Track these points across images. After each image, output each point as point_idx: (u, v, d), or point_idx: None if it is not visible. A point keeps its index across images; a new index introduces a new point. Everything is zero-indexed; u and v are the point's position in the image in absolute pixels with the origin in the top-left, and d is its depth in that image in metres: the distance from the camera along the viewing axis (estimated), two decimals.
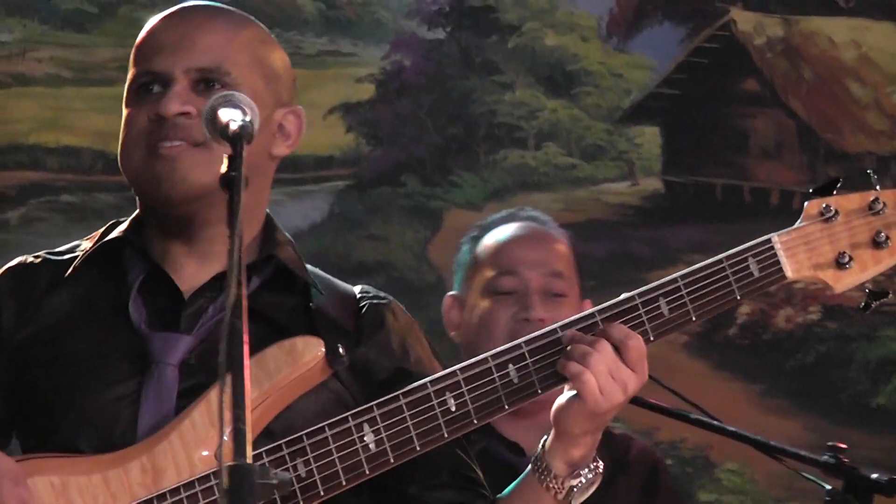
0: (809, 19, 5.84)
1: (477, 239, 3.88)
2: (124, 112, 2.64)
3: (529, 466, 2.66)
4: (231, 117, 2.26)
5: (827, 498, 3.34)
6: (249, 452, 1.94)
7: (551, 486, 2.61)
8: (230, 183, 2.15)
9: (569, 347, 2.54)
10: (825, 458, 3.36)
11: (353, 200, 5.82)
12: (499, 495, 2.74)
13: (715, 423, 3.60)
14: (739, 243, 4.43)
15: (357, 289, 2.80)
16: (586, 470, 2.62)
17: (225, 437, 1.96)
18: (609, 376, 2.52)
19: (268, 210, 2.76)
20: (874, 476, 3.16)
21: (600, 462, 2.60)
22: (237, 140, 2.23)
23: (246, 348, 2.10)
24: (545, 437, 2.60)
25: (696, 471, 5.45)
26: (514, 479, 2.70)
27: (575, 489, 2.60)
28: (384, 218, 5.84)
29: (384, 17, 5.94)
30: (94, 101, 5.74)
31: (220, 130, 2.24)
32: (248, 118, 2.27)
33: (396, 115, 5.81)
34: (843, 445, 3.32)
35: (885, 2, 5.89)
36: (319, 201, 5.66)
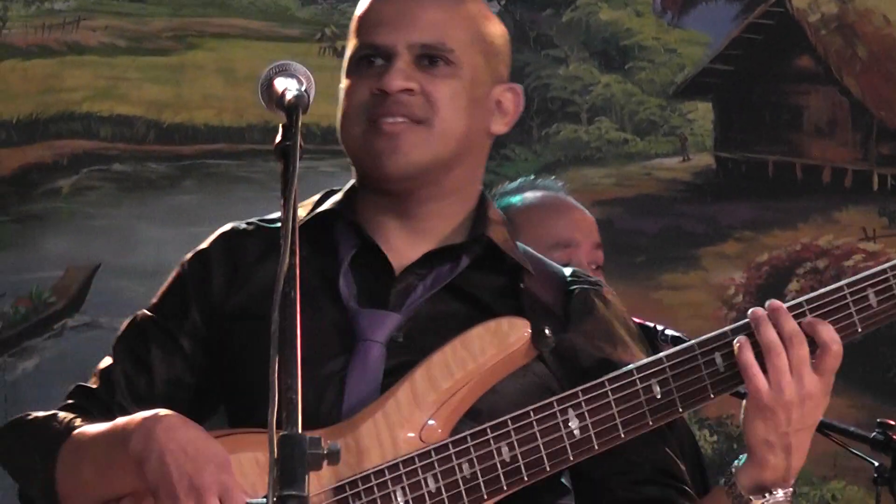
0: None
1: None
2: (344, 82, 2.63)
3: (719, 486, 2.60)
4: (286, 86, 2.23)
5: (875, 474, 3.40)
6: (300, 422, 1.95)
7: (735, 501, 2.54)
8: (285, 152, 2.12)
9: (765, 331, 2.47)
10: (874, 434, 3.34)
11: None
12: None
13: None
14: (791, 221, 4.44)
15: (568, 271, 2.76)
16: (776, 493, 2.50)
17: (274, 408, 1.95)
18: (789, 374, 2.46)
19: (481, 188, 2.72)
20: None
21: (791, 489, 2.47)
22: (292, 110, 2.18)
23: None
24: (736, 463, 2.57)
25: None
26: None
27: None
28: None
29: None
30: (147, 70, 5.70)
31: (276, 100, 2.22)
32: (303, 87, 2.20)
33: None
34: (893, 423, 3.31)
35: None
36: None
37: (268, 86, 2.21)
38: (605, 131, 5.65)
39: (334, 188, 2.66)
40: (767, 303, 2.39)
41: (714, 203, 5.72)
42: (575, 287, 2.68)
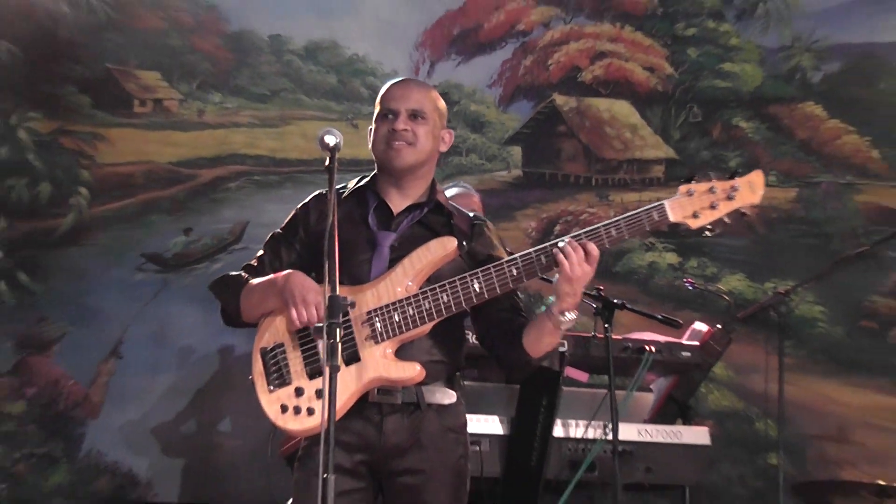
0: (589, 99, 7.84)
1: None
2: (374, 126, 3.88)
3: (541, 313, 3.83)
4: (329, 139, 3.45)
5: (594, 309, 4.88)
6: (338, 291, 3.33)
7: (553, 319, 3.79)
8: (329, 169, 3.45)
9: (561, 245, 3.61)
10: (594, 292, 4.12)
11: None
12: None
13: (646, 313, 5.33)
14: (556, 199, 6.94)
15: (471, 214, 3.99)
16: (569, 314, 3.76)
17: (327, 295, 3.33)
18: (579, 263, 3.63)
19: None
20: None
21: (576, 312, 3.74)
22: (333, 150, 3.47)
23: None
24: (553, 297, 3.75)
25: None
26: None
27: (564, 320, 3.78)
28: None
29: None
30: (268, 133, 7.67)
31: (324, 146, 3.42)
32: (338, 140, 3.45)
33: None
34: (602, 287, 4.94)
35: (622, 86, 7.78)
36: None
37: (321, 139, 3.43)
38: (475, 160, 7.70)
39: (365, 174, 3.96)
40: (567, 237, 3.67)
41: (522, 191, 7.66)
42: (475, 222, 3.97)
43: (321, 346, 3.61)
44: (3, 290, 7.29)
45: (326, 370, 3.26)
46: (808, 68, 7.48)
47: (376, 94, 4.08)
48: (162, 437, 7.24)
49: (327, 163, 3.53)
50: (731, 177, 3.84)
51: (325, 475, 3.25)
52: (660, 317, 5.43)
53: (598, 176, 7.69)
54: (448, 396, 3.92)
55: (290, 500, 3.98)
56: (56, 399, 7.25)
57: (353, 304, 3.56)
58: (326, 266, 3.40)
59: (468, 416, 4.31)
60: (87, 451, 7.23)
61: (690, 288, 6.61)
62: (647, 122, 7.66)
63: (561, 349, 4.92)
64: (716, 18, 7.57)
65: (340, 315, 3.36)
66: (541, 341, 3.84)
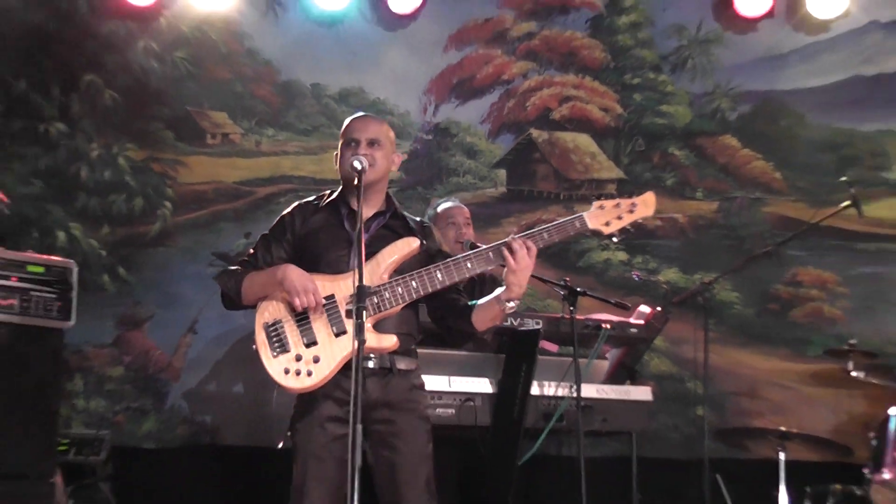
0: (558, 133, 7.73)
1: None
2: (339, 152, 3.98)
3: (492, 296, 3.87)
4: (356, 163, 3.74)
5: (562, 294, 4.71)
6: (364, 282, 3.46)
7: (500, 305, 3.88)
8: (357, 187, 3.70)
9: (508, 242, 3.75)
10: (563, 281, 4.68)
11: None
12: (471, 302, 4.02)
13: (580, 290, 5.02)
14: (531, 210, 6.80)
15: (419, 219, 4.14)
16: (512, 303, 3.87)
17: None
18: (523, 258, 3.76)
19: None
20: None
21: (517, 302, 3.86)
22: (360, 173, 3.73)
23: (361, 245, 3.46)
24: (502, 286, 3.81)
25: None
26: None
27: (508, 306, 3.88)
28: None
29: None
30: (309, 160, 7.60)
31: (354, 169, 3.69)
32: (364, 165, 3.72)
33: None
34: (569, 279, 4.79)
35: (583, 123, 7.56)
36: None
37: (351, 164, 3.77)
38: (469, 179, 7.60)
39: (333, 189, 4.00)
40: (511, 236, 3.83)
41: (506, 204, 7.56)
42: (425, 225, 4.10)
43: (316, 321, 3.78)
44: (106, 281, 7.28)
45: (355, 343, 3.35)
46: (726, 109, 7.55)
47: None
48: (225, 395, 7.21)
49: (356, 181, 3.71)
50: (630, 196, 4.02)
51: (357, 424, 3.33)
52: (613, 301, 5.45)
53: (565, 192, 7.58)
54: (411, 364, 4.02)
55: (283, 443, 4.00)
56: (146, 365, 7.25)
57: (332, 294, 3.76)
58: (357, 261, 3.52)
59: (467, 379, 4.62)
60: (170, 405, 7.25)
61: (637, 279, 6.86)
62: (603, 150, 7.58)
63: (536, 326, 4.97)
64: (655, 71, 7.58)
65: (365, 300, 3.51)
66: (487, 320, 3.95)
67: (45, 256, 5.17)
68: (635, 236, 6.03)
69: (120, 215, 7.27)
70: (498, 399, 5.09)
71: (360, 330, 3.36)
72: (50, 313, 5.02)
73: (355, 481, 3.22)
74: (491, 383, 5.17)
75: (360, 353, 3.33)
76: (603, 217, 3.92)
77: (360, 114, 4.12)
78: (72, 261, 5.24)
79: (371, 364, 3.86)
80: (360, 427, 3.25)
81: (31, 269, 5.02)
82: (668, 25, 7.44)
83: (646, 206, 3.98)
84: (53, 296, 5.05)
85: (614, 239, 3.95)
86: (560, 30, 7.47)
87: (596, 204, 3.92)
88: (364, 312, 3.41)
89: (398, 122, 7.30)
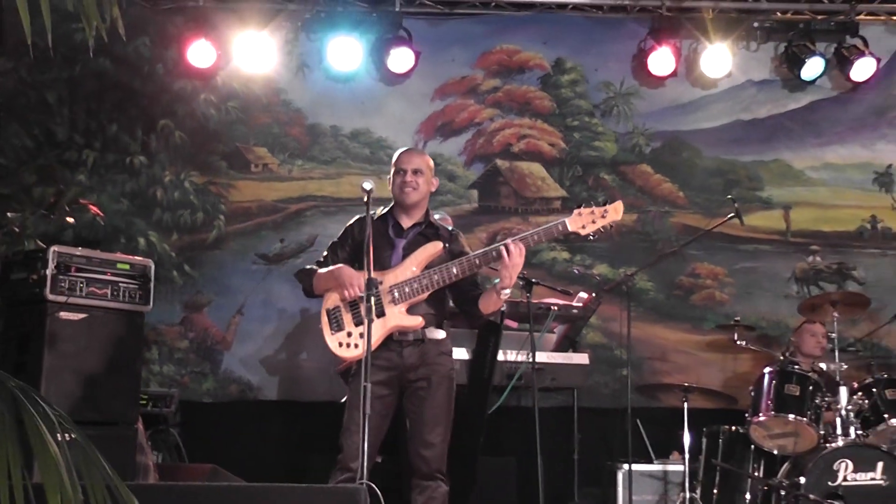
0: (517, 162, 7.34)
1: None
2: (391, 177, 4.05)
3: (490, 287, 3.86)
4: (367, 186, 3.70)
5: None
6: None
7: (497, 294, 3.85)
8: (366, 203, 3.65)
9: (505, 244, 3.71)
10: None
11: None
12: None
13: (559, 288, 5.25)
14: (503, 218, 6.32)
15: (450, 228, 4.12)
16: (506, 291, 3.81)
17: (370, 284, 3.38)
18: (516, 256, 3.71)
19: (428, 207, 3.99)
20: None
21: (510, 290, 3.78)
22: (369, 192, 3.70)
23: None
24: (497, 279, 3.73)
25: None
26: None
27: (504, 293, 3.82)
28: None
29: None
30: (329, 183, 7.26)
31: (364, 190, 3.65)
32: (372, 186, 3.68)
33: None
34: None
35: (536, 155, 7.26)
36: None
37: (362, 186, 3.70)
38: (450, 198, 7.30)
39: (385, 205, 4.08)
40: (508, 240, 3.78)
41: (478, 216, 7.34)
42: (452, 232, 4.11)
43: (362, 308, 3.67)
44: (175, 276, 7.13)
45: (366, 322, 3.43)
46: (643, 145, 7.43)
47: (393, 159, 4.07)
48: (267, 362, 7.03)
49: (365, 199, 3.71)
50: (604, 204, 3.94)
51: (365, 383, 3.40)
52: (559, 289, 5.53)
53: (522, 207, 7.40)
54: (440, 334, 4.01)
55: (346, 398, 3.95)
56: (206, 339, 7.10)
57: (381, 282, 3.75)
58: (366, 261, 3.58)
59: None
60: (223, 369, 7.11)
61: (576, 272, 6.85)
62: (551, 175, 7.40)
63: (502, 309, 4.66)
64: (589, 115, 7.42)
65: (374, 289, 3.58)
66: (489, 306, 3.95)
67: (129, 257, 5.17)
68: (574, 240, 5.90)
69: (186, 226, 7.16)
70: (472, 364, 5.03)
71: (368, 311, 3.48)
72: (134, 300, 5.01)
73: (365, 425, 3.35)
74: (467, 351, 5.12)
75: (370, 330, 3.44)
76: (580, 221, 3.83)
77: (406, 148, 4.15)
78: (150, 260, 5.22)
79: (410, 337, 3.86)
80: (368, 385, 3.34)
81: (119, 266, 5.00)
82: (598, 82, 7.36)
83: (616, 211, 3.89)
84: (136, 286, 5.02)
85: (590, 238, 3.85)
86: (518, 85, 7.37)
87: (576, 211, 3.84)
88: (372, 300, 3.49)
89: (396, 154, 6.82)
